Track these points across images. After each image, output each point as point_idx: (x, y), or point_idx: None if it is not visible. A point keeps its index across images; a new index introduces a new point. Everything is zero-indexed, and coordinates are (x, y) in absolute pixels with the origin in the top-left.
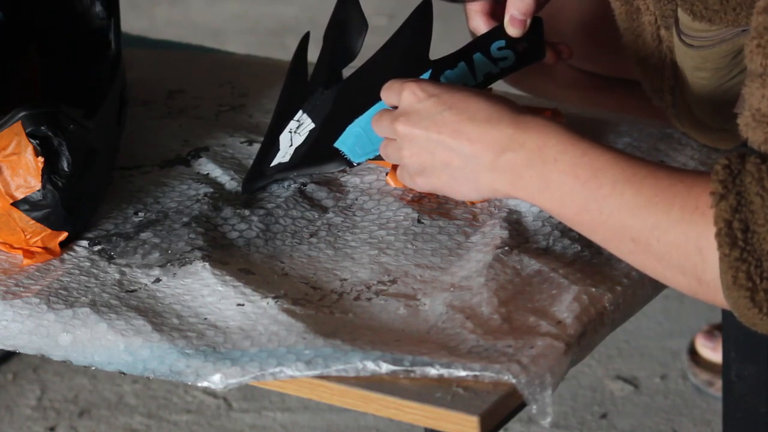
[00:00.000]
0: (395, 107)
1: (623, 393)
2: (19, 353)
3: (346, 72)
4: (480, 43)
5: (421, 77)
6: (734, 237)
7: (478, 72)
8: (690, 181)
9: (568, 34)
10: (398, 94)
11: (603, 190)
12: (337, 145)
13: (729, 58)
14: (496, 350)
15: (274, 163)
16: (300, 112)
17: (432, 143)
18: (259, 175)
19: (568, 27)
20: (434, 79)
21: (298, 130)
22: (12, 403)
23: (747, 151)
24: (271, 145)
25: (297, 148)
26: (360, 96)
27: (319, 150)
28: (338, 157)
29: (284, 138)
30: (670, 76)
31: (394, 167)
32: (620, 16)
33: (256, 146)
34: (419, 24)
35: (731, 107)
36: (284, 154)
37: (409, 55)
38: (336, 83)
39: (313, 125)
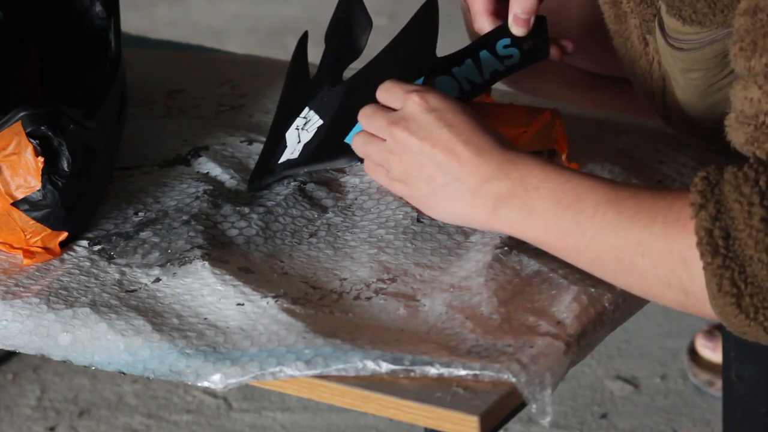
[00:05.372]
0: (388, 108)
1: (623, 393)
2: (19, 353)
3: (347, 71)
4: (486, 40)
5: (416, 83)
6: (715, 245)
7: (484, 69)
8: (671, 198)
9: (569, 32)
10: (402, 99)
11: (585, 213)
12: (347, 140)
13: (720, 58)
14: (496, 350)
15: (283, 159)
16: (306, 109)
17: (423, 155)
18: (267, 172)
19: (568, 25)
20: (433, 77)
21: (305, 126)
22: (12, 403)
23: (725, 163)
24: (277, 142)
25: (306, 145)
26: (368, 92)
27: (329, 145)
28: (349, 152)
29: (291, 135)
30: (659, 78)
31: None
32: (609, 19)
33: (256, 145)
34: (426, 21)
35: (724, 106)
36: (292, 150)
37: (416, 52)
38: (342, 80)
39: (321, 122)
